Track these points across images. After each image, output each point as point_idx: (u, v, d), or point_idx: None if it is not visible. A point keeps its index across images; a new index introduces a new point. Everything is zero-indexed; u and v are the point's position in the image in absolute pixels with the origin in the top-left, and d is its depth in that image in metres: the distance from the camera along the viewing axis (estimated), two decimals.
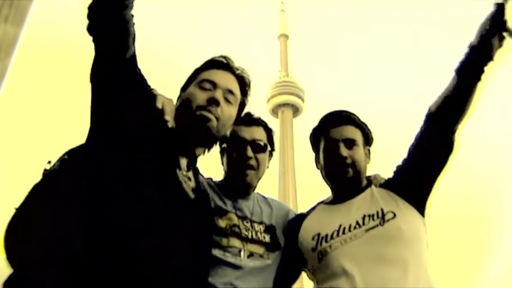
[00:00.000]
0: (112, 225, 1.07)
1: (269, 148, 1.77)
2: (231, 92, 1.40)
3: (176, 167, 1.30)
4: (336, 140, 1.71)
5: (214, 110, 1.33)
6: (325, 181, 1.80)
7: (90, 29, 1.23)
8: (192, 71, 1.44)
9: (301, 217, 1.80)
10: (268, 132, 1.80)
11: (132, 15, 1.26)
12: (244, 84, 1.47)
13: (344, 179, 1.71)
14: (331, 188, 1.80)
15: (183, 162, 1.34)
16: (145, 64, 1.37)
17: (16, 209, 1.10)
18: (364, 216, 1.62)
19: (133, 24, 1.27)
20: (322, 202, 1.83)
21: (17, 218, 1.09)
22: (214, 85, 1.38)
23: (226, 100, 1.38)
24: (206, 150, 1.45)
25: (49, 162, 1.17)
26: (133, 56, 1.29)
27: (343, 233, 1.61)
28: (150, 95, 1.31)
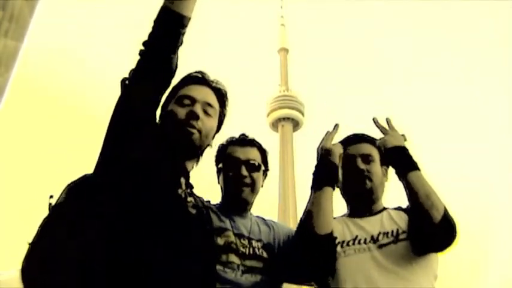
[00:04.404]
0: (129, 252, 1.13)
1: (263, 168, 1.84)
2: (209, 104, 1.47)
3: (178, 187, 1.37)
4: (353, 155, 1.81)
5: (195, 123, 1.40)
6: (343, 197, 1.87)
7: (143, 69, 1.30)
8: (171, 89, 1.50)
9: None
10: (263, 152, 1.87)
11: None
12: (221, 96, 1.54)
13: (362, 190, 1.78)
14: (348, 203, 1.87)
15: (182, 180, 1.41)
16: None
17: (30, 244, 1.14)
18: (380, 233, 1.68)
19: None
20: (335, 218, 1.86)
21: (33, 254, 1.13)
22: (193, 100, 1.44)
23: (206, 113, 1.45)
24: (195, 164, 1.51)
25: (51, 196, 1.23)
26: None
27: (359, 243, 1.67)
28: (156, 128, 1.41)
